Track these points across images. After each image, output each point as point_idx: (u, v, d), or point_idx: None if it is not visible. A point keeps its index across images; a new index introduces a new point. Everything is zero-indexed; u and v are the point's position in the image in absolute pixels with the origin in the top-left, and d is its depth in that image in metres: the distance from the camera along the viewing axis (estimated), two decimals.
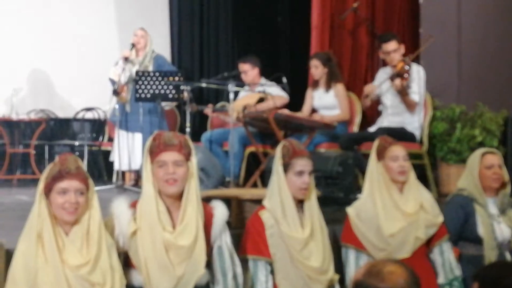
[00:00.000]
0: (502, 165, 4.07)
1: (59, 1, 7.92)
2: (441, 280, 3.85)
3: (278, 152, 3.46)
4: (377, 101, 6.20)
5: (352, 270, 3.73)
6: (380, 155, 3.79)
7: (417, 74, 5.73)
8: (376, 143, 3.86)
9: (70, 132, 7.91)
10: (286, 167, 3.40)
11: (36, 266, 2.72)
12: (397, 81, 5.61)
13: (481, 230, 3.97)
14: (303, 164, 3.40)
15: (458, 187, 4.15)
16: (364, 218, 3.76)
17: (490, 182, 4.01)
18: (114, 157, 6.72)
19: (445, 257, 3.88)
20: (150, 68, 6.55)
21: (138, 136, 6.52)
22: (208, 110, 6.60)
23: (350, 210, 3.82)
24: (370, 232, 3.73)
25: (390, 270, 2.07)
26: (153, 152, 3.03)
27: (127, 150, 6.49)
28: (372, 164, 3.81)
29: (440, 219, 3.86)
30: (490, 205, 4.06)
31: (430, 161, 5.98)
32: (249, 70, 6.51)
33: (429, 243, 3.86)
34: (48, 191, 2.79)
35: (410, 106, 5.79)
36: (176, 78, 6.00)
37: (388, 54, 5.82)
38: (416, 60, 5.94)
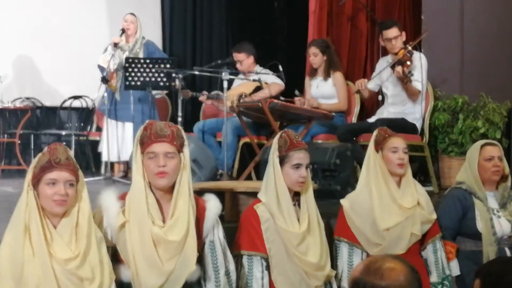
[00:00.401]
0: (503, 157, 3.97)
1: None
2: (434, 278, 3.78)
3: (274, 143, 3.37)
4: (378, 92, 6.09)
5: (345, 265, 3.64)
6: (379, 146, 3.70)
7: (419, 61, 5.61)
8: (374, 133, 3.77)
9: (56, 121, 7.74)
10: (283, 160, 3.31)
11: (22, 259, 2.64)
12: (398, 68, 5.48)
13: (480, 225, 3.88)
14: (300, 157, 3.31)
15: (457, 180, 4.06)
16: (359, 210, 3.65)
17: (490, 174, 3.91)
18: (102, 148, 6.54)
19: (438, 256, 3.80)
20: (141, 55, 6.46)
21: (129, 126, 6.42)
22: (203, 97, 6.42)
23: (345, 202, 3.72)
24: (365, 225, 3.63)
25: (390, 267, 1.99)
26: (144, 142, 2.93)
27: (116, 140, 6.32)
28: (370, 154, 3.71)
29: (434, 216, 3.79)
30: (490, 199, 3.96)
31: (431, 153, 5.89)
32: (244, 59, 6.39)
33: (422, 240, 3.78)
34: (36, 181, 2.71)
35: (412, 94, 5.66)
36: (168, 66, 5.83)
37: (389, 41, 5.70)
38: (417, 48, 5.81)
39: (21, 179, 2.78)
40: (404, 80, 5.50)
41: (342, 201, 3.72)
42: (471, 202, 3.90)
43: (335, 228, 3.75)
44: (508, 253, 3.89)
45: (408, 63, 5.48)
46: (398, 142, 3.68)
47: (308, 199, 3.37)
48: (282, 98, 5.93)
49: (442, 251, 3.80)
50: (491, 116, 5.83)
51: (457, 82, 6.24)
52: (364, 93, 5.92)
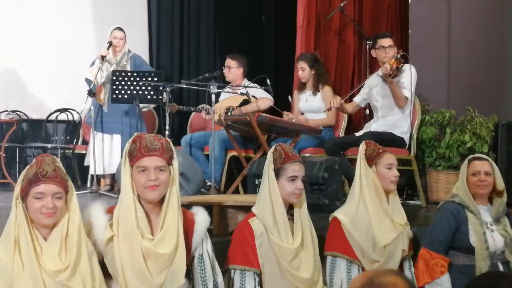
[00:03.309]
0: (494, 172, 3.94)
1: None
2: None
3: (269, 156, 3.36)
4: (364, 107, 6.09)
5: (344, 281, 3.60)
6: (372, 161, 3.68)
7: (409, 71, 5.59)
8: (362, 147, 3.74)
9: (42, 134, 7.63)
10: (278, 172, 3.30)
11: (12, 272, 2.64)
12: (386, 65, 5.45)
13: (473, 239, 3.85)
14: (296, 169, 3.32)
15: (453, 192, 4.04)
16: (359, 226, 3.62)
17: (475, 189, 3.90)
18: (89, 161, 6.47)
19: (412, 272, 3.83)
20: (128, 68, 6.41)
21: (117, 138, 6.39)
22: (203, 112, 6.38)
23: (341, 217, 3.65)
24: (367, 241, 3.60)
25: (392, 282, 1.98)
26: (134, 156, 2.91)
27: (102, 153, 6.28)
28: (361, 169, 3.68)
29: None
30: (483, 212, 3.94)
31: (418, 167, 5.88)
32: (233, 68, 6.40)
33: None
34: (24, 195, 2.71)
35: (399, 99, 5.60)
36: (155, 79, 5.80)
37: (384, 49, 5.69)
38: (405, 62, 5.78)
39: (5, 192, 2.75)
40: (391, 74, 5.46)
41: (339, 216, 3.65)
42: (464, 215, 3.88)
43: (328, 243, 3.69)
44: (501, 268, 3.85)
45: (397, 64, 5.47)
46: (392, 159, 3.69)
47: (302, 213, 3.36)
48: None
49: (413, 268, 3.83)
50: (478, 130, 5.82)
51: (444, 96, 6.22)
52: (345, 109, 5.89)
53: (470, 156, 4.04)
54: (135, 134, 3.02)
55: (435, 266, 3.83)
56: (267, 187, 3.29)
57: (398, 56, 5.54)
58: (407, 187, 6.25)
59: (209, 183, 5.50)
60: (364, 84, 5.90)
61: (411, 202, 6.00)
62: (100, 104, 6.36)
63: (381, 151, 3.70)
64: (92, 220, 2.90)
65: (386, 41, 5.70)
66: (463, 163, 4.00)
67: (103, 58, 6.26)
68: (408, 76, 5.56)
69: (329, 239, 3.69)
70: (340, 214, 3.67)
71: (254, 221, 3.29)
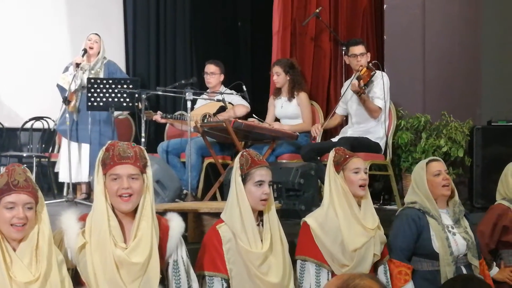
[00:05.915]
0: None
1: (6, 3, 7.60)
2: None
3: (236, 162, 3.38)
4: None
5: (313, 285, 3.58)
6: (340, 167, 3.68)
7: (381, 79, 5.62)
8: (332, 154, 3.74)
9: (17, 143, 7.55)
10: (245, 178, 3.31)
11: None
12: (355, 81, 5.51)
13: (437, 244, 3.82)
14: (262, 174, 3.32)
15: (406, 202, 4.01)
16: (328, 230, 3.62)
17: (441, 189, 3.87)
18: (59, 168, 6.45)
19: (388, 277, 3.79)
20: (101, 75, 6.37)
21: (85, 147, 6.34)
22: (157, 116, 6.33)
23: (311, 221, 3.66)
24: (335, 246, 3.59)
25: (368, 286, 1.97)
26: (106, 164, 2.91)
27: (69, 160, 6.21)
28: (330, 175, 3.69)
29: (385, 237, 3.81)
30: (443, 215, 3.92)
31: (394, 172, 5.91)
32: (217, 74, 6.38)
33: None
34: None
35: (372, 111, 5.65)
36: (131, 86, 5.76)
37: (355, 57, 5.75)
38: (379, 68, 5.85)
39: None
40: (359, 93, 5.49)
41: (308, 220, 3.66)
42: (426, 221, 3.83)
43: (298, 247, 3.68)
44: (464, 271, 3.84)
45: (366, 77, 5.47)
46: (359, 163, 3.68)
47: (271, 218, 3.36)
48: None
49: (388, 273, 3.79)
50: (453, 135, 5.88)
51: (419, 101, 6.28)
52: (331, 125, 5.95)
53: (425, 160, 4.01)
54: (109, 142, 3.00)
55: (399, 275, 3.80)
56: (235, 193, 3.29)
57: (370, 64, 5.57)
58: (383, 192, 6.28)
59: (185, 191, 5.48)
60: (341, 96, 5.94)
61: (388, 207, 6.02)
62: (72, 112, 6.31)
63: (347, 156, 3.69)
64: (64, 227, 2.88)
65: (358, 49, 5.74)
66: (417, 168, 3.97)
67: (77, 65, 6.22)
68: (380, 84, 5.60)
69: (299, 243, 3.69)
70: (309, 218, 3.68)
71: (222, 227, 3.29)
